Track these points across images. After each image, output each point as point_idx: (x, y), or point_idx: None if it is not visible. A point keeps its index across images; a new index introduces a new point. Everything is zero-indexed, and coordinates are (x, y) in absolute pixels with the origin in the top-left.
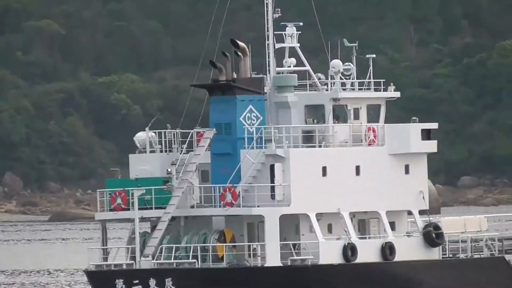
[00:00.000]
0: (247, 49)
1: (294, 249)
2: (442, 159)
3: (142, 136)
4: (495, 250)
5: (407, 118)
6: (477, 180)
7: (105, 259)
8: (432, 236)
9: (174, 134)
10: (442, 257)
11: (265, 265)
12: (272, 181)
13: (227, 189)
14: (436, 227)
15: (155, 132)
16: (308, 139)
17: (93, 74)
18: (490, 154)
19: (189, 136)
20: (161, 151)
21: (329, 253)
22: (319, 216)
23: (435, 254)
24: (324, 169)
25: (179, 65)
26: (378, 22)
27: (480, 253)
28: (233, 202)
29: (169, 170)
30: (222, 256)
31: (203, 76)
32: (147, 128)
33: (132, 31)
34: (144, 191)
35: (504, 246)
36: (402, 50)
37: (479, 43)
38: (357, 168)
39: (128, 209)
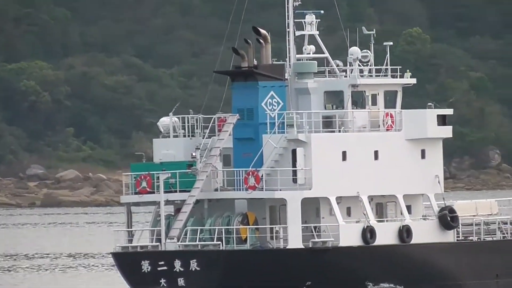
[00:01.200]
0: (268, 37)
1: (315, 232)
2: None
3: (165, 121)
4: (507, 233)
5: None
6: None
7: (130, 241)
8: (447, 219)
9: (196, 119)
10: (457, 240)
11: (288, 247)
12: (294, 165)
13: (250, 173)
14: (451, 211)
15: (178, 117)
16: (328, 124)
17: (2, 61)
18: None
19: (212, 121)
20: (184, 136)
21: (349, 235)
22: (338, 199)
23: (450, 236)
24: (344, 153)
25: (87, 52)
26: (282, 9)
27: (493, 235)
28: (256, 185)
29: (194, 154)
30: (246, 238)
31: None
32: (170, 113)
33: (41, 17)
34: (169, 174)
35: None
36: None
37: (386, 30)
38: (376, 152)
39: (153, 193)
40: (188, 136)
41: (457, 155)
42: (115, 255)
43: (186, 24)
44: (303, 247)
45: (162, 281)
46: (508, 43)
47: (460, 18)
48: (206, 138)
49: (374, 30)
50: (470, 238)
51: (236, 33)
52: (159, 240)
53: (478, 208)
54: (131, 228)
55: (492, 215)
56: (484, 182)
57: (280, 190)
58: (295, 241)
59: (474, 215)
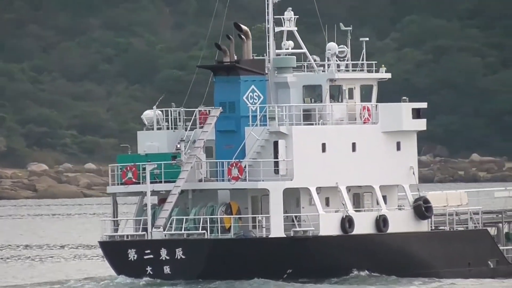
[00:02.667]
0: (249, 33)
1: (296, 221)
2: None
3: (149, 114)
4: (478, 223)
5: (165, 98)
6: None
7: (116, 230)
8: (422, 209)
9: (178, 112)
10: (431, 229)
11: (270, 236)
12: (276, 156)
13: (234, 164)
14: (426, 201)
15: (161, 111)
16: (307, 117)
17: None
18: None
19: (194, 114)
20: (168, 128)
21: (328, 225)
22: (318, 190)
23: (425, 226)
24: (323, 145)
25: None
26: (133, 5)
27: (465, 225)
28: (240, 176)
29: (178, 146)
30: (229, 227)
31: None
32: (154, 107)
33: None
34: (155, 165)
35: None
36: (158, 33)
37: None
38: (353, 144)
39: (138, 183)
40: (171, 128)
41: None
42: (102, 244)
43: (36, 19)
44: (284, 236)
45: (148, 269)
46: (356, 38)
47: (310, 15)
48: (189, 130)
49: (351, 26)
50: (442, 227)
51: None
52: (145, 229)
53: (448, 199)
54: (117, 217)
55: (462, 205)
56: None
57: (263, 180)
58: (277, 230)
59: (445, 206)
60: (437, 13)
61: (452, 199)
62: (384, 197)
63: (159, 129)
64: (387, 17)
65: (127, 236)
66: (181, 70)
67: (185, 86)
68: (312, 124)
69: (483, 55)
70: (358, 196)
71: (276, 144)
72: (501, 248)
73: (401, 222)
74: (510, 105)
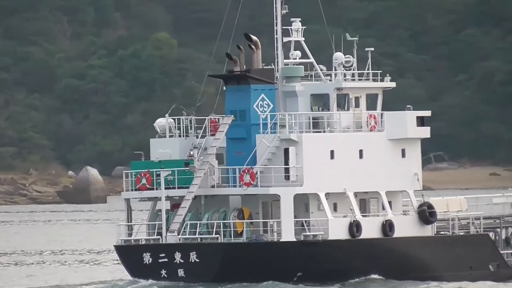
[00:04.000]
0: (259, 43)
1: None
2: (96, 149)
3: (162, 122)
4: (479, 228)
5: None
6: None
7: (130, 235)
8: (426, 215)
9: (190, 120)
10: (434, 234)
11: (281, 240)
12: (287, 163)
13: (246, 171)
14: (430, 206)
15: (174, 119)
16: (315, 125)
17: None
18: (144, 144)
19: (205, 122)
20: (179, 136)
21: (337, 229)
22: (327, 195)
23: (429, 231)
24: (332, 152)
25: None
26: (31, 14)
27: (467, 230)
28: (251, 182)
29: (192, 153)
30: (241, 232)
31: None
32: (167, 115)
33: None
34: (170, 172)
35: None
36: (57, 42)
37: (133, 35)
38: (361, 151)
39: (152, 189)
40: (183, 136)
41: None
42: (118, 248)
43: None
44: (295, 240)
45: (163, 272)
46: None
47: (204, 23)
48: (200, 138)
49: (357, 36)
50: (442, 232)
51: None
52: (159, 234)
53: (449, 205)
54: (131, 222)
55: (462, 211)
56: None
57: (274, 186)
58: (288, 234)
59: (445, 211)
60: (332, 23)
61: (452, 205)
62: (390, 203)
63: (171, 136)
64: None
65: (142, 240)
66: (79, 80)
67: (83, 96)
68: (320, 132)
69: (379, 64)
70: (364, 202)
71: (286, 151)
72: (501, 252)
73: (406, 227)
74: None
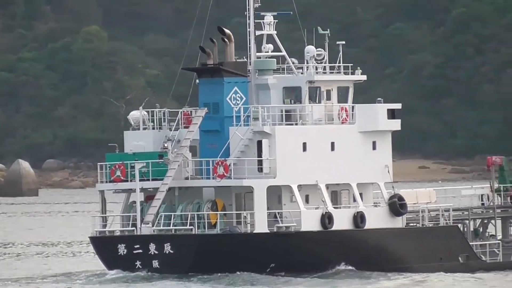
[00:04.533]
0: (232, 36)
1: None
2: (27, 142)
3: (136, 115)
4: (449, 220)
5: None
6: (62, 163)
7: (104, 226)
8: (397, 206)
9: (163, 113)
10: (405, 226)
11: (255, 231)
12: (260, 155)
13: (220, 163)
14: (400, 198)
15: (147, 111)
16: (288, 117)
17: None
18: (75, 137)
19: (178, 115)
20: (153, 128)
21: (309, 221)
22: (299, 187)
23: (399, 222)
24: (304, 144)
25: None
26: None
27: (436, 222)
28: (225, 174)
29: (165, 145)
30: (215, 223)
31: None
32: (140, 107)
33: None
34: (144, 164)
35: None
36: None
37: (63, 28)
38: (332, 144)
39: (126, 181)
40: (156, 128)
41: None
42: (93, 239)
43: None
44: (268, 231)
45: (138, 263)
46: (182, 40)
47: (134, 17)
48: (174, 130)
49: (328, 30)
50: (412, 224)
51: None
52: (134, 225)
53: (418, 197)
54: (105, 214)
55: (431, 203)
56: None
57: (247, 178)
58: (261, 226)
59: (415, 203)
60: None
61: (421, 197)
62: (361, 195)
63: (145, 129)
64: (214, 19)
65: (117, 231)
66: (10, 72)
67: (13, 89)
68: (293, 124)
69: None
70: (336, 194)
71: (259, 143)
72: (470, 244)
73: (377, 218)
74: None
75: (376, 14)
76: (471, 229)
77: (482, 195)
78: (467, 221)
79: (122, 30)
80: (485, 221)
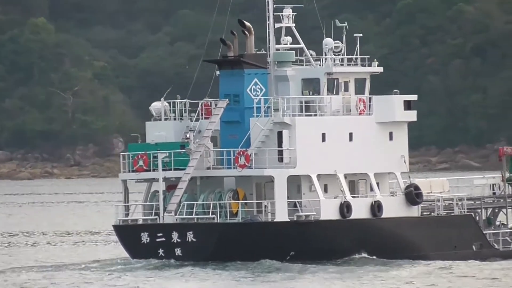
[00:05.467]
0: (252, 29)
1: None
2: None
3: (157, 106)
4: (463, 209)
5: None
6: (10, 154)
7: (127, 215)
8: (413, 196)
9: (184, 103)
10: (420, 215)
11: (275, 220)
12: (280, 145)
13: (241, 153)
14: (416, 188)
15: (168, 102)
16: (307, 108)
17: None
18: (22, 128)
19: (199, 106)
20: (174, 119)
21: (328, 210)
22: (318, 177)
23: (415, 211)
24: (323, 135)
25: None
26: None
27: (450, 211)
28: (246, 164)
29: (187, 135)
30: (236, 212)
31: None
32: (162, 98)
33: None
34: (167, 154)
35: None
36: None
37: (10, 19)
38: (350, 134)
39: (149, 170)
40: (178, 119)
41: (81, 143)
42: (117, 227)
43: None
44: (288, 220)
45: (160, 251)
46: (128, 32)
47: (81, 9)
48: (194, 121)
49: (346, 23)
50: (425, 213)
51: None
52: (156, 214)
53: (432, 186)
54: (127, 203)
55: (444, 192)
56: (109, 170)
57: (268, 168)
58: (281, 214)
59: (429, 192)
60: (210, 8)
61: (435, 186)
62: (377, 184)
63: (166, 119)
64: (161, 10)
65: (140, 220)
66: None
67: None
68: (311, 115)
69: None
70: (353, 183)
71: (280, 134)
72: (483, 232)
73: (394, 207)
74: None
75: (322, 5)
76: (483, 218)
77: (493, 185)
78: (479, 210)
79: (69, 22)
80: (496, 210)
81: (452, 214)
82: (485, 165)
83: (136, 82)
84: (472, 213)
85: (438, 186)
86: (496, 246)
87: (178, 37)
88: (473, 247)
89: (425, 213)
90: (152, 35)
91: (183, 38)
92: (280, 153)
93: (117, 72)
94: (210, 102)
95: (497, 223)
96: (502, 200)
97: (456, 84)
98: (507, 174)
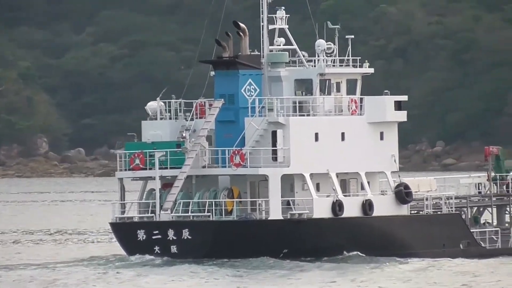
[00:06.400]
0: (246, 30)
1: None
2: None
3: (153, 105)
4: (451, 208)
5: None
6: None
7: (123, 212)
8: (403, 194)
9: (179, 103)
10: (410, 213)
11: (269, 218)
12: (274, 145)
13: (236, 152)
14: (406, 187)
15: (164, 102)
16: (300, 108)
17: None
18: None
19: (194, 105)
20: (170, 118)
21: (321, 208)
22: (311, 176)
23: (405, 210)
24: (316, 135)
25: None
26: None
27: (438, 210)
28: (241, 163)
29: (184, 134)
30: (231, 210)
31: None
32: (158, 98)
33: None
34: (164, 153)
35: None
36: None
37: None
38: (343, 134)
39: (145, 169)
40: (173, 118)
41: (5, 143)
42: (113, 225)
43: None
44: (282, 218)
45: (156, 248)
46: (53, 33)
47: (5, 9)
48: (190, 120)
49: (339, 24)
50: (412, 211)
51: None
52: (153, 212)
53: (420, 185)
54: (124, 201)
55: (432, 191)
56: (33, 170)
57: (263, 167)
58: (275, 213)
59: (416, 191)
60: (136, 8)
61: (423, 185)
62: (368, 183)
63: (162, 119)
64: (84, 11)
65: (136, 218)
66: None
67: None
68: (304, 115)
69: (178, 50)
70: (344, 182)
71: (274, 133)
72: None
73: (384, 206)
74: None
75: (245, 6)
76: (469, 216)
77: (479, 184)
78: (465, 209)
79: None
80: (481, 209)
81: (440, 212)
82: (407, 165)
83: (60, 82)
84: (459, 212)
85: (425, 185)
86: (483, 244)
87: (101, 38)
88: (461, 245)
89: (412, 212)
90: (76, 36)
91: (106, 39)
92: (274, 152)
93: (42, 73)
94: (204, 102)
95: (482, 221)
96: (487, 199)
97: (378, 85)
98: (493, 174)
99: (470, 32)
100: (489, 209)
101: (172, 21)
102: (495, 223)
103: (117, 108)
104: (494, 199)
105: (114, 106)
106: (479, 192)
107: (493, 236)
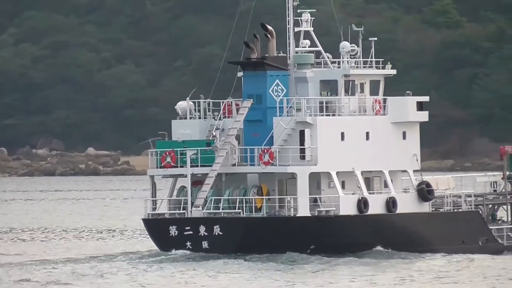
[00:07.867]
0: (274, 32)
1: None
2: None
3: (183, 105)
4: (471, 205)
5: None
6: None
7: (154, 209)
8: (425, 192)
9: (208, 103)
10: (431, 210)
11: (297, 215)
12: (302, 144)
13: (265, 151)
14: (428, 185)
15: (193, 102)
16: (326, 108)
17: None
18: None
19: (222, 105)
20: (199, 118)
21: (347, 205)
22: (337, 174)
23: (426, 207)
24: (342, 134)
25: None
26: None
27: (457, 207)
28: (270, 161)
29: (214, 133)
30: (260, 207)
31: None
32: (187, 98)
33: None
34: (195, 151)
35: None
36: None
37: None
38: (367, 134)
39: (176, 167)
40: (202, 118)
41: None
42: (146, 221)
43: None
44: (310, 215)
45: (188, 243)
46: None
47: None
48: (218, 120)
49: (363, 27)
50: (432, 209)
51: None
52: (184, 208)
53: (438, 183)
54: (155, 197)
55: (450, 189)
56: None
57: (291, 165)
58: (303, 210)
59: (435, 189)
60: (56, 9)
61: (441, 184)
62: (391, 181)
63: (191, 118)
64: (5, 12)
65: (169, 214)
66: None
67: None
68: (330, 115)
69: (98, 51)
70: (368, 180)
71: (302, 132)
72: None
73: (407, 203)
74: (125, 100)
75: (165, 7)
76: (485, 214)
77: (494, 182)
78: (481, 206)
79: None
80: (496, 207)
81: (460, 210)
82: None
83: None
84: (479, 209)
85: (444, 184)
86: (500, 241)
87: (23, 38)
88: (479, 241)
89: (431, 209)
90: None
91: (28, 39)
92: (302, 151)
93: None
94: (231, 102)
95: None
96: (502, 197)
97: None
98: (508, 172)
99: (390, 33)
100: (504, 206)
101: (91, 22)
102: (509, 219)
103: (39, 109)
104: (509, 197)
105: (36, 106)
106: (495, 191)
107: (509, 233)
